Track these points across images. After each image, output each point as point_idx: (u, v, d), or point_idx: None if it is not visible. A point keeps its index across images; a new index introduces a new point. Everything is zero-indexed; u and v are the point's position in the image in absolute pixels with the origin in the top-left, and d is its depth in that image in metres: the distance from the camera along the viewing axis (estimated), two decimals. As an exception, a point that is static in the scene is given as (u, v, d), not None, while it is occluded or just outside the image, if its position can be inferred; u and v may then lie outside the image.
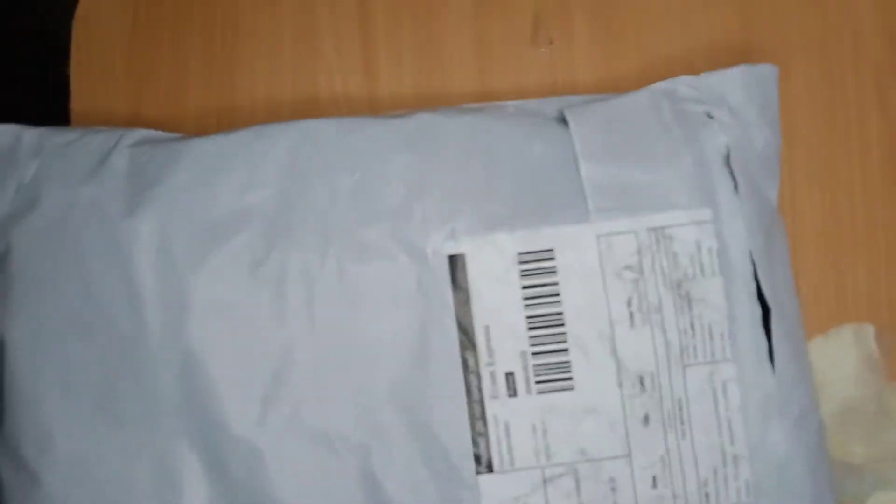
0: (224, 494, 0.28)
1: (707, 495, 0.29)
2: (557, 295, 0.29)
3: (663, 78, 0.33)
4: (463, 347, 0.29)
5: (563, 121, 0.31)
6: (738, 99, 0.31)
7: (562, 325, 0.29)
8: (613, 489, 0.29)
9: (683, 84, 0.32)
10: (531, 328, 0.29)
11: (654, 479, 0.29)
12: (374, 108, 0.35)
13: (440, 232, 0.29)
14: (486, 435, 0.29)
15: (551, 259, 0.29)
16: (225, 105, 0.35)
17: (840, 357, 0.33)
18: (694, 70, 0.34)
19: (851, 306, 0.33)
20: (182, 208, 0.29)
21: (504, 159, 0.30)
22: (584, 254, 0.29)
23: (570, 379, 0.29)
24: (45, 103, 0.37)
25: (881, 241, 0.34)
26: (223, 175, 0.29)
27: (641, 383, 0.29)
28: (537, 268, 0.29)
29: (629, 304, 0.29)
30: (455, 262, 0.29)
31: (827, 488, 0.30)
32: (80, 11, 0.37)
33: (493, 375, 0.29)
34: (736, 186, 0.30)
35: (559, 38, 0.36)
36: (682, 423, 0.29)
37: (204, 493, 0.28)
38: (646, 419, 0.29)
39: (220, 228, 0.29)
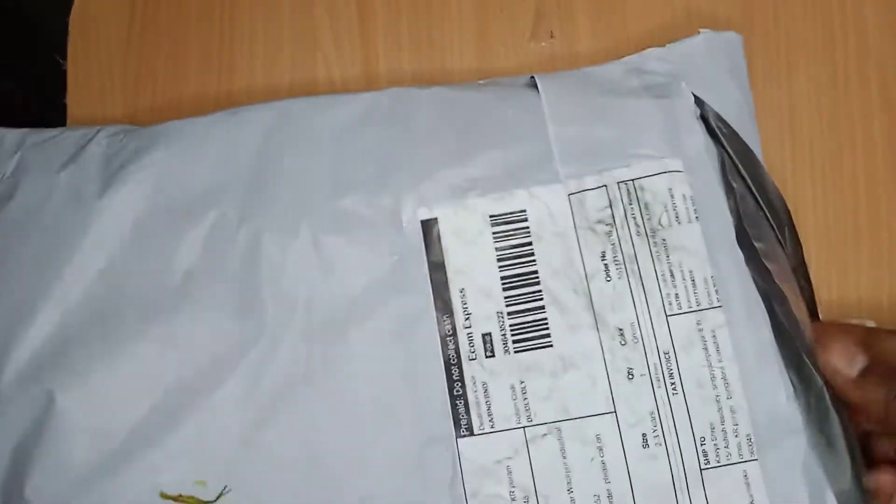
0: None
1: (705, 453, 0.27)
2: (532, 255, 0.29)
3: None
4: (439, 311, 0.29)
5: (534, 87, 0.31)
6: (706, 64, 0.31)
7: (537, 283, 0.29)
8: (600, 448, 0.28)
9: (653, 58, 0.32)
10: (506, 288, 0.29)
11: (644, 437, 0.27)
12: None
13: (412, 199, 0.29)
14: (464, 397, 0.28)
15: (524, 220, 0.29)
16: (223, 102, 0.35)
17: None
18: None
19: (853, 303, 0.33)
20: (155, 186, 0.30)
21: (475, 125, 0.30)
22: (556, 212, 0.29)
23: (547, 336, 0.28)
24: (42, 103, 0.37)
25: (885, 239, 0.33)
26: (197, 153, 0.30)
27: (622, 335, 0.28)
28: (510, 229, 0.29)
29: (603, 256, 0.29)
30: (428, 227, 0.29)
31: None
32: (77, 10, 0.36)
33: (469, 337, 0.29)
34: (710, 137, 0.30)
35: (560, 32, 0.35)
36: (670, 375, 0.28)
37: None
38: (629, 373, 0.28)
39: (194, 205, 0.29)
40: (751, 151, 0.31)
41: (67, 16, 0.36)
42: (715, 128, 0.30)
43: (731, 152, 0.30)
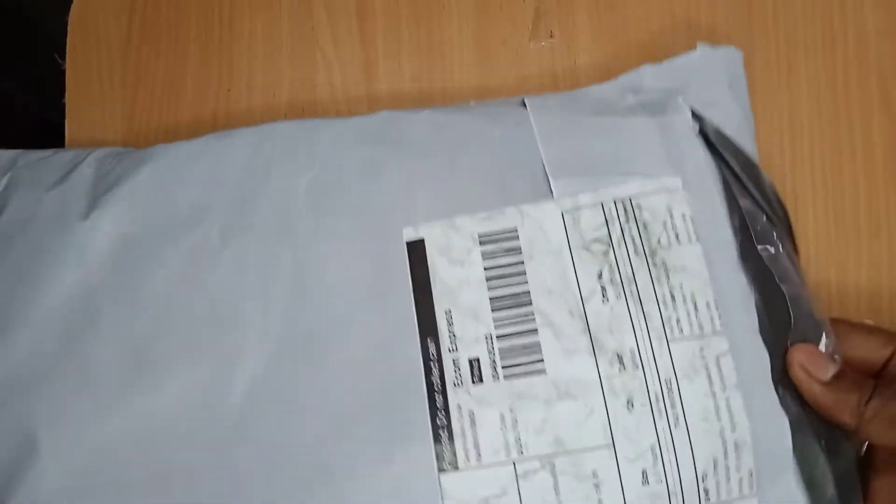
0: None
1: (706, 491, 0.25)
2: (523, 274, 0.27)
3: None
4: (423, 334, 0.27)
5: (524, 106, 0.30)
6: (704, 79, 0.30)
7: (528, 303, 0.27)
8: (597, 485, 0.25)
9: (648, 75, 0.31)
10: (496, 310, 0.27)
11: (644, 473, 0.25)
12: (373, 104, 0.35)
13: (399, 218, 0.28)
14: (448, 427, 0.26)
15: (514, 238, 0.28)
16: (221, 105, 0.35)
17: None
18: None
19: (853, 304, 0.33)
20: (140, 207, 0.29)
21: (465, 145, 0.29)
22: (549, 231, 0.28)
23: (540, 361, 0.26)
24: (42, 103, 0.37)
25: (884, 239, 0.33)
26: (184, 175, 0.30)
27: (621, 362, 0.26)
28: (500, 248, 0.28)
29: (600, 276, 0.27)
30: (414, 246, 0.28)
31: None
32: (76, 10, 0.36)
33: (455, 362, 0.27)
34: (710, 153, 0.29)
35: (560, 32, 0.35)
36: (672, 406, 0.26)
37: None
38: (629, 403, 0.26)
39: (177, 226, 0.29)
40: (754, 165, 0.29)
41: (66, 16, 0.36)
42: (716, 143, 0.29)
43: (734, 168, 0.29)
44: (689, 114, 0.29)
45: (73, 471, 0.27)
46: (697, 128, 0.29)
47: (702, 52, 0.31)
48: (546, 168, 0.28)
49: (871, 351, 0.27)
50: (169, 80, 0.35)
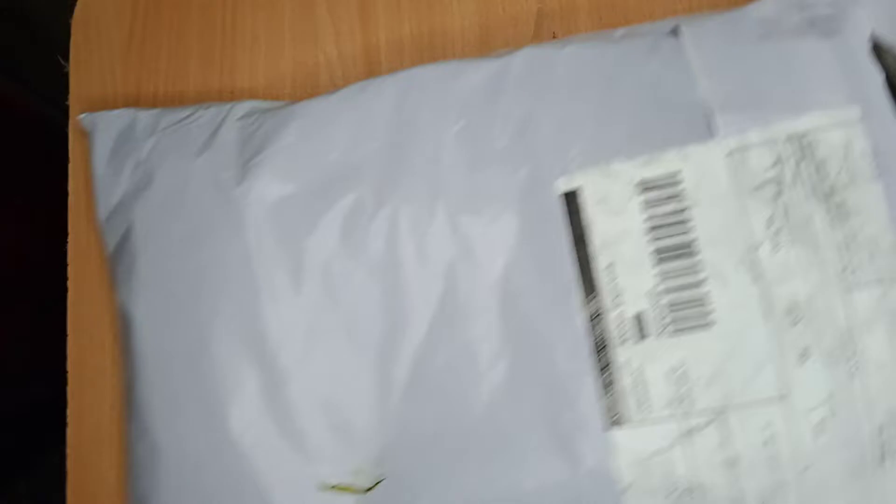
0: None
1: (883, 445, 0.24)
2: (687, 222, 0.26)
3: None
4: (585, 290, 0.26)
5: (676, 35, 0.28)
6: None
7: (695, 254, 0.26)
8: (770, 438, 0.25)
9: None
10: (660, 261, 0.26)
11: (819, 424, 0.24)
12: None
13: (553, 168, 0.27)
14: (615, 384, 0.25)
15: (677, 184, 0.26)
16: (224, 101, 0.35)
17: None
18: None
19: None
20: (290, 170, 0.28)
21: (618, 82, 0.27)
22: (715, 174, 0.26)
23: (709, 314, 0.25)
24: (44, 104, 0.37)
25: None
26: (330, 133, 0.28)
27: (795, 313, 0.25)
28: (662, 195, 0.26)
29: (771, 222, 0.25)
30: (571, 198, 0.26)
31: None
32: (78, 10, 0.36)
33: (620, 318, 0.26)
34: (887, 77, 0.26)
35: (562, 32, 0.35)
36: (849, 358, 0.24)
37: None
38: (803, 355, 0.25)
39: (329, 188, 0.28)
40: None
41: (69, 16, 0.36)
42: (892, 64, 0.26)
43: None
44: (868, 30, 0.27)
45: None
46: (871, 45, 0.27)
47: None
48: (709, 104, 0.26)
49: None
50: (171, 81, 0.35)
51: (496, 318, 0.27)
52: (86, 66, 0.35)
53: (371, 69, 0.35)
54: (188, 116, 0.30)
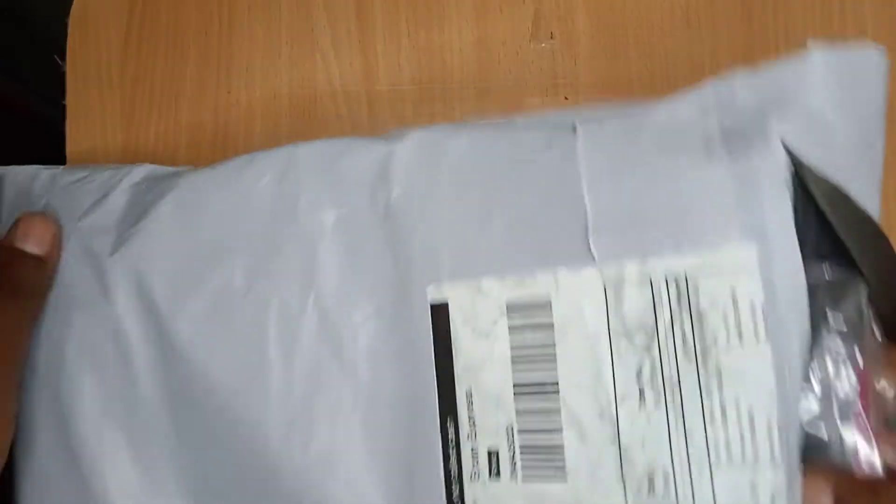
0: None
1: None
2: (552, 359, 0.23)
3: (665, 73, 0.33)
4: (444, 413, 0.24)
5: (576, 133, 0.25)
6: (817, 98, 0.22)
7: (556, 395, 0.23)
8: None
9: (740, 85, 0.23)
10: (519, 396, 0.24)
11: None
12: (372, 102, 0.35)
13: (425, 273, 0.25)
14: None
15: (546, 312, 0.24)
16: (221, 105, 0.35)
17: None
18: (696, 65, 0.34)
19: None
20: (164, 244, 0.27)
21: (504, 182, 0.25)
22: (586, 306, 0.23)
23: (562, 468, 0.23)
24: (42, 103, 0.37)
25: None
26: (206, 209, 0.27)
27: (651, 484, 0.22)
28: (529, 322, 0.24)
29: (639, 375, 0.22)
30: (439, 310, 0.25)
31: None
32: (76, 11, 0.36)
33: (474, 452, 0.24)
34: (796, 213, 0.22)
35: (560, 33, 0.35)
36: None
37: None
38: None
39: (199, 266, 0.27)
40: (879, 236, 0.22)
41: (66, 16, 0.36)
42: (816, 197, 0.22)
43: (839, 232, 0.22)
44: (783, 155, 0.22)
45: None
46: (791, 172, 0.22)
47: (817, 55, 0.23)
48: (590, 222, 0.23)
49: None
50: (168, 81, 0.35)
51: (360, 421, 0.25)
52: (83, 66, 0.36)
53: (368, 70, 0.35)
54: (85, 177, 0.30)
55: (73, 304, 0.28)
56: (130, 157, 0.35)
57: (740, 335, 0.22)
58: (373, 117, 0.35)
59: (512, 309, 0.24)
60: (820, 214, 0.22)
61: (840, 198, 0.22)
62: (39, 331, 0.28)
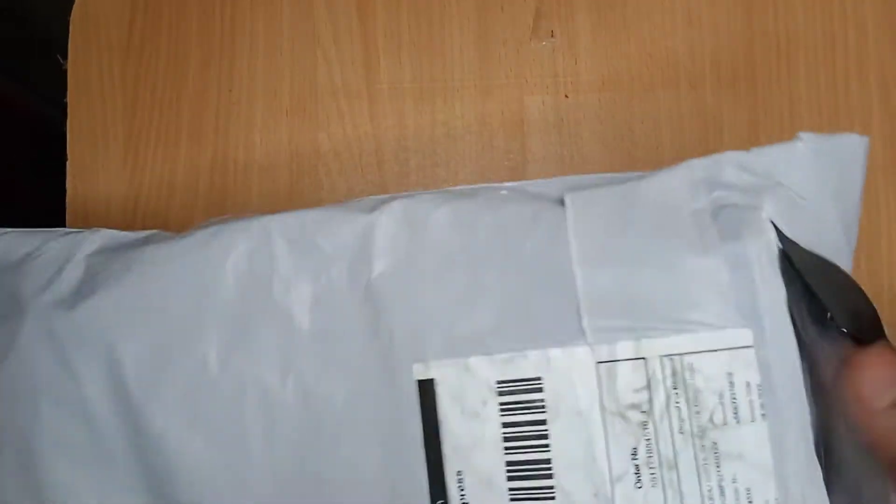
0: None
1: None
2: (545, 438, 0.23)
3: (665, 73, 0.33)
4: (434, 496, 0.24)
5: (564, 205, 0.24)
6: (804, 183, 0.23)
7: (549, 476, 0.23)
8: None
9: (730, 164, 0.23)
10: (512, 478, 0.23)
11: None
12: (373, 100, 0.35)
13: (410, 351, 0.24)
14: None
15: (538, 391, 0.23)
16: (223, 104, 0.35)
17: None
18: (697, 65, 0.34)
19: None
20: (129, 324, 0.26)
21: (488, 262, 0.24)
22: (578, 386, 0.23)
23: None
24: (43, 103, 0.37)
25: (884, 241, 0.34)
26: (176, 284, 0.26)
27: None
28: (521, 401, 0.23)
29: (635, 454, 0.22)
30: (426, 388, 0.24)
31: None
32: (77, 9, 0.36)
33: None
34: (788, 298, 0.22)
35: (561, 31, 0.35)
36: None
37: None
38: None
39: (170, 349, 0.25)
40: (870, 305, 0.22)
41: (68, 15, 0.36)
42: (805, 275, 0.22)
43: (828, 307, 0.22)
44: (774, 237, 0.22)
45: None
46: (778, 254, 0.22)
47: (806, 143, 0.23)
48: (581, 303, 0.23)
49: None
50: (170, 80, 0.35)
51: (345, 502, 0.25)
52: (84, 65, 0.36)
53: (369, 68, 0.35)
54: (37, 249, 0.28)
55: (39, 391, 0.26)
56: (132, 156, 0.35)
57: (736, 414, 0.22)
58: (374, 115, 0.35)
59: (502, 388, 0.23)
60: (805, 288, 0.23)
61: (830, 271, 0.22)
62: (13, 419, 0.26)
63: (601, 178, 0.25)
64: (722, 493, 0.22)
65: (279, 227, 0.26)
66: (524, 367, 0.23)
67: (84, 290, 0.26)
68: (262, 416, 0.25)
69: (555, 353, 0.23)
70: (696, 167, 0.24)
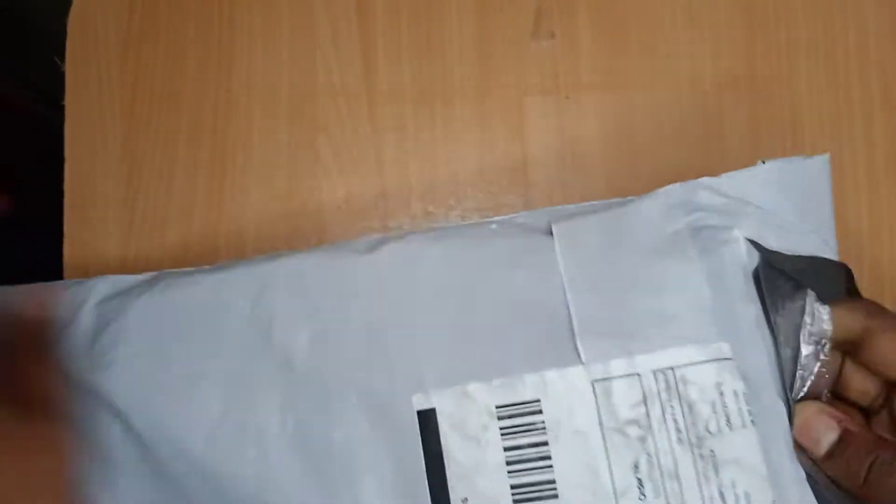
0: None
1: None
2: (548, 458, 0.24)
3: (666, 73, 0.33)
4: None
5: (551, 234, 0.25)
6: (773, 203, 0.25)
7: (555, 496, 0.23)
8: None
9: (704, 189, 0.25)
10: (517, 500, 0.24)
11: None
12: (372, 101, 0.35)
13: (408, 382, 0.25)
14: None
15: (537, 413, 0.24)
16: (221, 105, 0.35)
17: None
18: (697, 65, 0.34)
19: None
20: (137, 376, 0.27)
21: (481, 294, 0.25)
22: (577, 405, 0.24)
23: None
24: (42, 104, 0.37)
25: (886, 239, 0.34)
26: (182, 334, 0.27)
27: None
28: (521, 424, 0.24)
29: (636, 468, 0.23)
30: (426, 419, 0.24)
31: None
32: (75, 11, 0.36)
33: None
34: (765, 311, 0.23)
35: (561, 32, 0.35)
36: None
37: None
38: None
39: (177, 393, 0.27)
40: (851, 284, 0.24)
41: (66, 17, 0.36)
42: (766, 286, 0.24)
43: (796, 316, 0.23)
44: (744, 252, 0.24)
45: None
46: (753, 272, 0.24)
47: (775, 167, 0.25)
48: (575, 326, 0.24)
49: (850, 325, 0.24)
50: (168, 81, 0.35)
51: None
52: (83, 66, 0.36)
53: (368, 70, 0.35)
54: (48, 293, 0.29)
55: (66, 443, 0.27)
56: (129, 157, 0.34)
57: (729, 422, 0.23)
58: (373, 116, 0.35)
59: (502, 412, 0.24)
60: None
61: (815, 263, 0.24)
62: None
63: (585, 206, 0.27)
64: (723, 498, 0.22)
65: (278, 274, 0.27)
66: (522, 390, 0.24)
67: (97, 337, 0.27)
68: (265, 455, 0.25)
69: (551, 375, 0.24)
70: (674, 193, 0.25)
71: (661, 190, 0.26)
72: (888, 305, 0.32)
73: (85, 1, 0.36)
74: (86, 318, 0.28)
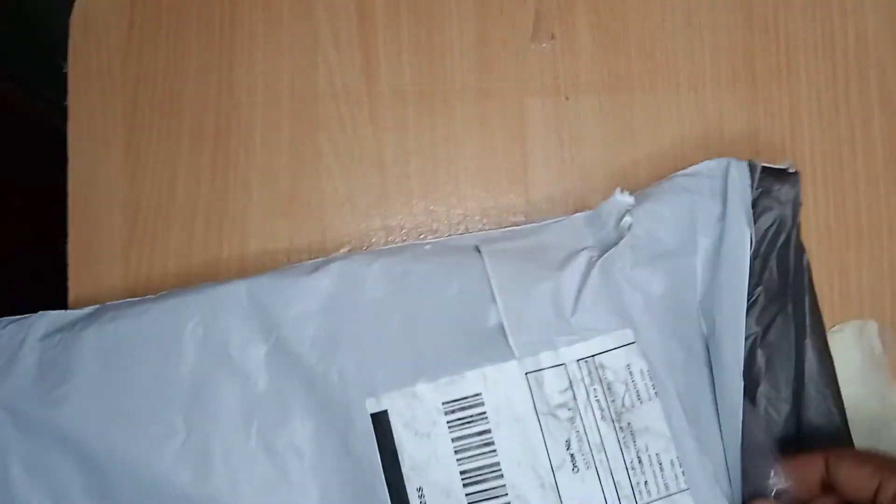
0: None
1: None
2: (492, 444, 0.26)
3: (666, 73, 0.33)
4: None
5: (479, 253, 0.29)
6: (651, 218, 0.30)
7: (500, 477, 0.26)
8: None
9: (605, 213, 0.30)
10: (467, 484, 0.26)
11: None
12: (373, 103, 0.35)
13: (362, 389, 0.27)
14: None
15: (480, 405, 0.26)
16: (223, 106, 0.35)
17: (843, 354, 0.32)
18: (697, 65, 0.34)
19: (855, 303, 0.33)
20: (94, 407, 0.28)
21: (421, 304, 0.28)
22: (513, 394, 0.26)
23: None
24: (43, 105, 0.37)
25: (885, 238, 0.34)
26: (135, 360, 0.28)
27: None
28: (466, 416, 0.27)
29: (568, 445, 0.26)
30: (379, 420, 0.27)
31: None
32: (77, 12, 0.36)
33: None
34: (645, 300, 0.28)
35: (561, 34, 0.35)
36: None
37: None
38: None
39: (137, 419, 0.28)
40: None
41: (67, 17, 0.36)
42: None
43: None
44: (630, 256, 0.29)
45: None
46: (638, 261, 0.29)
47: (672, 181, 0.31)
48: (505, 325, 0.27)
49: (862, 482, 0.26)
50: (170, 82, 0.35)
51: None
52: (84, 67, 0.36)
53: (369, 71, 0.35)
54: None
55: (13, 477, 0.28)
56: (132, 158, 0.35)
57: (639, 396, 0.26)
58: (373, 118, 0.35)
59: (448, 407, 0.27)
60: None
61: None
62: None
63: (507, 232, 0.30)
64: (640, 461, 0.26)
65: (231, 295, 0.29)
66: (465, 386, 0.27)
67: (42, 374, 0.28)
68: (228, 469, 0.27)
69: (489, 370, 0.27)
70: (580, 217, 0.30)
71: (572, 216, 0.31)
72: (888, 304, 0.32)
73: (87, 2, 0.36)
74: (28, 355, 0.29)
